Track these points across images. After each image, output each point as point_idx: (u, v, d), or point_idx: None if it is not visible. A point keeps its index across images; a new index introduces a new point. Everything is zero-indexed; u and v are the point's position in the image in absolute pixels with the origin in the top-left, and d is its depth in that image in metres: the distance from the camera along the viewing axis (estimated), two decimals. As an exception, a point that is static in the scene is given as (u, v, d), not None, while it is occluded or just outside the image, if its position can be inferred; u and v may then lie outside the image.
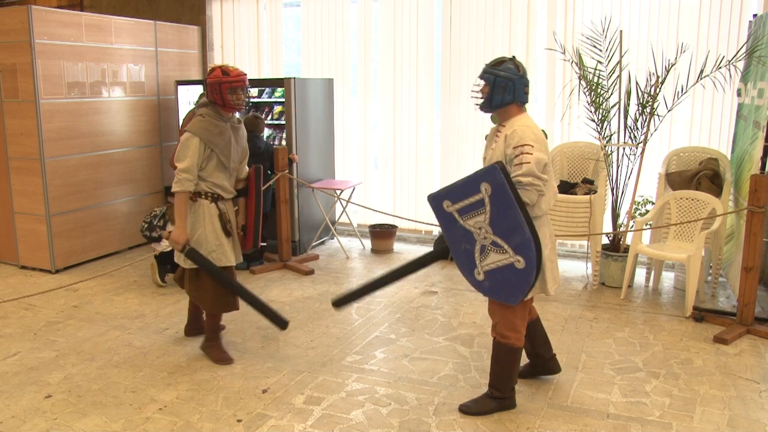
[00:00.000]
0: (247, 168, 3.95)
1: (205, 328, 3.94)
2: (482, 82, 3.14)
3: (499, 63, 3.11)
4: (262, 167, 3.98)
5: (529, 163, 2.90)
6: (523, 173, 2.90)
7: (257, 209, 3.92)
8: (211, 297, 3.75)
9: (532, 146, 2.93)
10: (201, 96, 5.70)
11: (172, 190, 3.59)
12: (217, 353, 3.84)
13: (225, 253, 3.73)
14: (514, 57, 3.16)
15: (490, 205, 2.86)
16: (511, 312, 3.12)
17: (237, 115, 3.84)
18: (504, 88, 3.05)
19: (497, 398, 3.22)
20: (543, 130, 3.21)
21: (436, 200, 3.06)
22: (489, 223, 2.90)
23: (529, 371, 3.57)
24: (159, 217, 5.28)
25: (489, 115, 3.04)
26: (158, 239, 5.25)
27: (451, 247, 3.15)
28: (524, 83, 3.11)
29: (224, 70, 3.60)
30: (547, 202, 3.08)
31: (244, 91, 3.65)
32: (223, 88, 3.57)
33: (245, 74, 3.66)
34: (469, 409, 3.22)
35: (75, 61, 5.72)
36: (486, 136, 3.45)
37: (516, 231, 2.84)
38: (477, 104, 3.19)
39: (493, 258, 2.95)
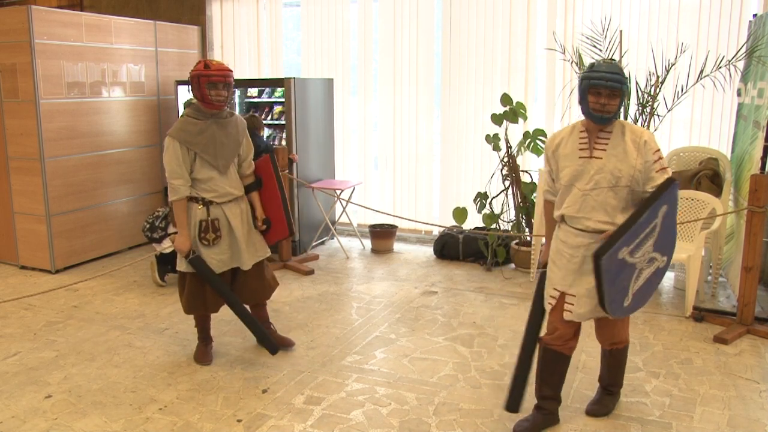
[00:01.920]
0: (252, 162, 3.80)
1: (195, 326, 3.93)
2: (606, 91, 2.68)
3: (617, 67, 2.73)
4: (274, 153, 3.87)
5: (667, 167, 2.76)
6: (670, 177, 2.74)
7: (282, 196, 3.75)
8: (186, 298, 3.70)
9: (659, 150, 2.79)
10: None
11: (169, 200, 3.55)
12: (198, 353, 3.86)
13: (207, 257, 3.61)
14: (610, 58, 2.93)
15: (660, 226, 2.64)
16: (622, 320, 3.05)
17: (227, 109, 3.65)
18: (626, 96, 2.83)
19: (616, 393, 3.25)
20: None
21: (612, 257, 2.56)
22: (654, 244, 2.69)
23: (540, 423, 3.07)
24: (161, 218, 5.28)
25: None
26: (159, 240, 5.25)
27: (608, 297, 2.67)
28: None
29: (207, 64, 3.46)
30: None
31: (226, 87, 3.46)
32: (201, 81, 3.41)
33: (230, 70, 3.50)
34: (599, 412, 3.18)
35: (75, 61, 5.72)
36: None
37: (672, 237, 2.72)
38: (600, 119, 2.74)
39: (645, 274, 2.76)
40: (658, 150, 2.77)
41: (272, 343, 3.82)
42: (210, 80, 3.41)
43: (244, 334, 4.24)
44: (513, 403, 3.07)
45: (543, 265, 3.08)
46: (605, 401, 3.22)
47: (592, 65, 2.79)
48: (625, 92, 2.75)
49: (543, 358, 3.08)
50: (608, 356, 3.19)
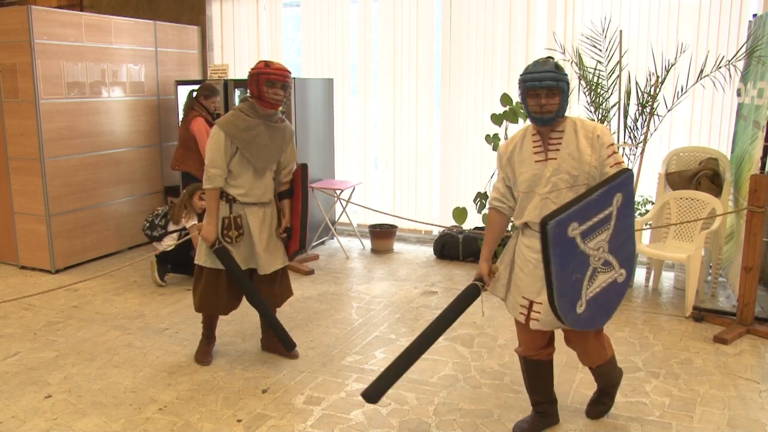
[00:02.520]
0: (292, 172, 3.78)
1: (202, 323, 3.92)
2: (545, 91, 2.64)
3: (557, 66, 2.67)
4: (307, 165, 3.84)
5: (622, 162, 2.68)
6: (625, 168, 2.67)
7: (303, 209, 3.75)
8: (199, 295, 3.68)
9: (614, 143, 2.72)
10: (190, 93, 5.70)
11: (204, 187, 3.53)
12: (199, 352, 3.86)
13: (210, 256, 3.60)
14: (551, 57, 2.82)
15: (616, 219, 2.57)
16: (594, 334, 2.88)
17: (280, 114, 3.68)
18: (568, 92, 2.69)
19: (612, 393, 3.19)
20: None
21: (560, 225, 2.45)
22: (609, 240, 2.59)
23: (538, 425, 3.06)
24: (161, 217, 5.28)
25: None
26: (159, 238, 5.25)
27: (557, 282, 2.52)
28: None
29: (267, 63, 3.49)
30: None
31: (284, 88, 3.48)
32: (261, 79, 3.42)
33: (289, 71, 3.52)
34: (599, 412, 3.15)
35: (75, 61, 5.72)
36: (493, 143, 3.10)
37: (628, 243, 2.63)
38: (542, 119, 2.68)
39: (600, 280, 2.64)
40: (612, 144, 2.69)
41: (289, 339, 3.81)
42: (269, 78, 3.43)
43: (244, 334, 4.24)
44: (371, 393, 2.73)
45: (478, 278, 2.90)
46: (604, 400, 3.19)
47: (526, 68, 2.72)
48: (565, 89, 2.65)
49: (525, 369, 3.05)
50: (594, 372, 3.06)
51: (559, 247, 2.47)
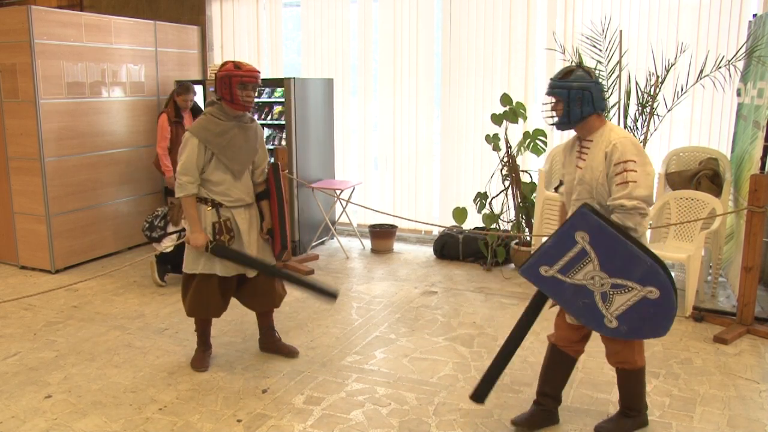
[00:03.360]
0: (265, 171, 3.75)
1: (195, 331, 3.86)
2: (551, 99, 2.82)
3: (567, 73, 2.80)
4: (278, 164, 3.82)
5: (635, 182, 2.61)
6: (626, 195, 2.62)
7: (280, 209, 3.72)
8: (190, 300, 3.63)
9: (635, 161, 2.63)
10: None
11: (176, 196, 3.51)
12: (195, 359, 3.79)
13: (207, 261, 3.54)
14: (580, 64, 2.88)
15: (594, 251, 2.60)
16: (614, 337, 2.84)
17: (249, 114, 3.65)
18: (581, 99, 2.73)
19: (634, 416, 3.03)
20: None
21: (530, 270, 2.74)
22: (601, 268, 2.62)
23: (536, 418, 3.10)
24: (160, 218, 5.28)
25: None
26: (159, 239, 5.25)
27: (567, 309, 2.81)
28: (600, 89, 2.80)
29: (237, 64, 3.45)
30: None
31: (254, 89, 3.47)
32: (233, 81, 3.38)
33: (258, 72, 3.49)
34: (608, 430, 3.00)
35: (75, 61, 5.72)
36: (552, 155, 3.17)
37: (634, 263, 2.58)
38: (552, 123, 2.86)
39: (620, 300, 2.64)
40: (626, 161, 2.64)
41: (329, 291, 3.61)
42: (242, 81, 3.39)
43: (244, 334, 4.24)
44: (479, 394, 3.00)
45: None
46: (619, 422, 3.05)
47: None
48: (571, 97, 2.74)
49: (549, 356, 3.09)
50: (617, 374, 3.04)
51: (542, 285, 2.76)
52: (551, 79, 2.85)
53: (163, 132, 5.62)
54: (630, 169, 2.63)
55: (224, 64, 3.48)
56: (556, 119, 2.83)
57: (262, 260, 3.65)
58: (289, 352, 3.89)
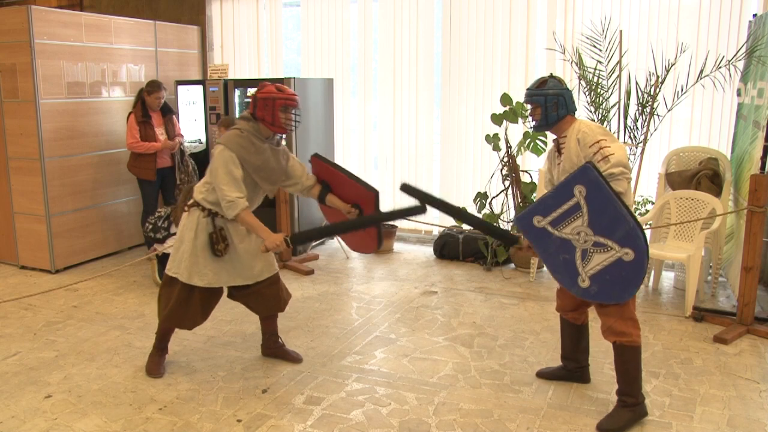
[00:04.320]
0: (308, 174, 3.67)
1: (156, 333, 3.73)
2: (529, 106, 3.22)
3: (543, 83, 3.15)
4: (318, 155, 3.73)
5: (612, 154, 2.93)
6: (612, 164, 2.92)
7: (346, 172, 3.59)
8: (170, 308, 3.52)
9: (606, 139, 2.99)
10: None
11: (229, 217, 3.33)
12: (151, 364, 3.69)
13: (198, 273, 3.46)
14: (552, 74, 3.21)
15: (587, 206, 2.83)
16: (626, 308, 3.04)
17: (278, 136, 3.57)
18: (556, 104, 3.09)
19: (631, 405, 3.09)
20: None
21: (524, 219, 3.01)
22: (588, 224, 2.86)
23: (557, 374, 3.55)
24: (163, 219, 5.28)
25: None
26: (162, 240, 5.25)
27: (546, 263, 3.07)
28: (571, 94, 3.17)
29: (279, 87, 3.40)
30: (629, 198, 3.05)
31: (296, 112, 3.44)
32: (276, 104, 3.33)
33: (297, 96, 3.46)
34: (607, 426, 3.05)
35: (75, 61, 5.72)
36: (546, 157, 3.42)
37: (619, 223, 2.79)
38: (533, 126, 3.26)
39: (598, 259, 2.88)
40: (598, 141, 2.98)
41: (412, 207, 3.39)
42: (286, 104, 3.36)
43: (244, 335, 4.24)
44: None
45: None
46: (617, 414, 3.10)
47: None
48: (541, 102, 3.09)
49: (560, 323, 3.53)
50: (614, 352, 3.13)
51: (531, 235, 3.02)
52: (528, 88, 3.19)
53: (132, 131, 5.55)
54: (604, 145, 2.97)
55: (264, 85, 3.43)
56: (535, 123, 3.21)
57: (336, 223, 3.63)
58: (293, 359, 3.83)
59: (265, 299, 3.71)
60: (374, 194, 3.54)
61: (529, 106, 3.23)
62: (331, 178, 3.66)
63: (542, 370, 3.63)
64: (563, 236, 2.93)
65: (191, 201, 3.53)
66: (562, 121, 3.13)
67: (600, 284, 2.91)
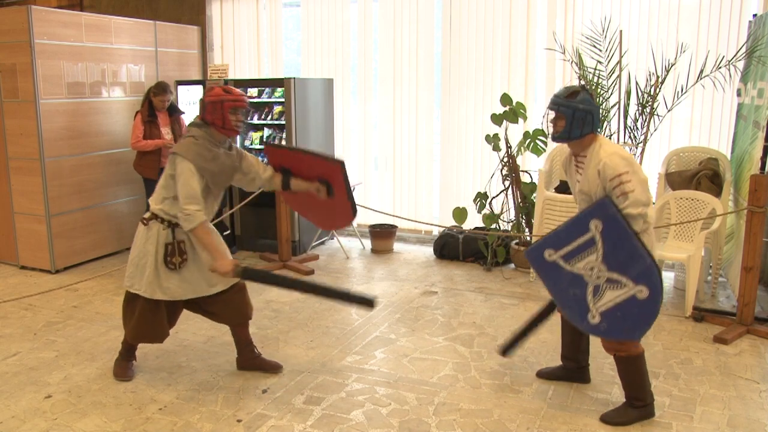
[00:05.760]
0: (264, 165, 3.58)
1: (122, 343, 3.66)
2: (552, 113, 3.03)
3: (573, 94, 2.98)
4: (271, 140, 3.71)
5: (633, 191, 2.80)
6: (630, 203, 2.80)
7: (309, 151, 3.55)
8: (134, 324, 3.47)
9: (627, 172, 2.83)
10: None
11: (186, 229, 3.25)
12: (119, 368, 3.63)
13: (161, 286, 3.37)
14: (584, 86, 3.05)
15: (602, 241, 2.76)
16: None
17: (230, 139, 3.47)
18: (583, 121, 2.93)
19: (639, 407, 3.10)
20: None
21: (535, 253, 2.93)
22: (603, 260, 2.79)
23: (557, 374, 3.55)
24: None
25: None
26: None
27: (555, 298, 3.01)
28: (599, 111, 3.02)
29: (225, 89, 3.32)
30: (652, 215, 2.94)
31: (245, 113, 3.38)
32: (225, 107, 3.26)
33: (246, 96, 3.41)
34: (611, 419, 3.08)
35: (75, 61, 5.72)
36: (561, 164, 3.38)
37: (635, 260, 2.73)
38: (551, 136, 3.08)
39: (610, 296, 2.82)
40: (620, 174, 2.82)
41: (364, 297, 3.44)
42: (234, 105, 3.29)
43: (244, 334, 4.24)
44: (507, 348, 3.42)
45: None
46: (623, 411, 3.11)
47: None
48: (568, 114, 2.93)
49: (561, 322, 3.50)
50: (615, 363, 3.13)
51: (541, 270, 2.94)
52: (556, 95, 3.02)
53: (135, 131, 5.60)
54: (625, 180, 2.81)
55: (211, 89, 3.37)
56: (558, 134, 3.02)
57: (290, 279, 3.53)
58: (272, 368, 3.68)
59: (233, 306, 3.55)
60: (339, 165, 3.46)
61: (551, 114, 3.03)
62: (290, 162, 3.56)
63: (542, 369, 3.62)
64: (575, 271, 2.85)
65: (148, 214, 3.40)
66: (584, 139, 2.98)
67: (611, 321, 2.85)
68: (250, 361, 3.70)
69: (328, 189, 3.50)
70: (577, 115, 2.93)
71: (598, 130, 3.02)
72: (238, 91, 3.37)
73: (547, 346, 4.03)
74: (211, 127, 3.32)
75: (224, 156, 3.38)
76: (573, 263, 2.85)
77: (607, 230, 2.74)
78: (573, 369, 3.50)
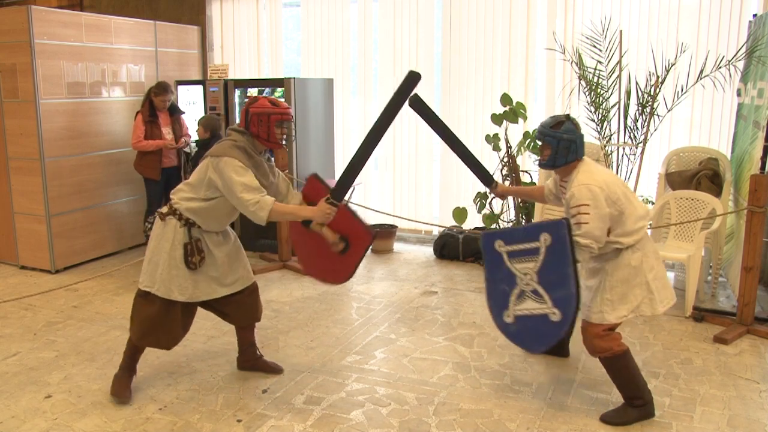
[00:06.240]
0: (296, 192, 3.49)
1: (125, 352, 3.47)
2: (540, 142, 3.22)
3: (558, 124, 3.11)
4: (317, 174, 3.51)
5: (586, 223, 2.94)
6: (582, 234, 2.94)
7: (345, 205, 3.36)
8: (144, 325, 3.30)
9: (588, 205, 2.95)
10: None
11: (261, 220, 3.06)
12: (119, 386, 3.38)
13: (179, 286, 3.24)
14: (569, 116, 3.17)
15: (545, 255, 2.95)
16: (600, 326, 3.09)
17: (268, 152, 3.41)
18: (567, 149, 3.09)
19: (638, 406, 3.12)
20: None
21: (488, 238, 3.17)
22: (537, 271, 2.99)
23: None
24: None
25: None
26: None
27: (486, 285, 3.23)
28: (582, 138, 3.15)
29: (272, 101, 3.24)
30: (635, 222, 3.04)
31: (289, 126, 3.33)
32: (272, 119, 3.19)
33: (291, 109, 3.33)
34: (611, 419, 3.11)
35: (75, 61, 5.72)
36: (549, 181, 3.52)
37: (562, 285, 2.92)
38: (538, 163, 3.34)
39: (529, 305, 3.04)
40: (579, 205, 2.97)
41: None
42: (281, 119, 3.22)
43: (244, 334, 4.24)
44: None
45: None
46: (623, 411, 3.13)
47: None
48: (560, 146, 3.08)
49: None
50: (603, 366, 3.19)
51: (488, 255, 3.17)
52: (542, 125, 3.18)
53: (136, 131, 5.61)
54: (583, 212, 2.96)
55: (256, 99, 3.27)
56: (541, 161, 3.25)
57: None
58: (272, 370, 3.66)
59: (245, 308, 3.53)
60: (371, 236, 3.34)
61: (539, 142, 3.25)
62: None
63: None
64: (512, 270, 3.08)
65: (166, 208, 3.29)
66: (569, 165, 3.14)
67: (520, 327, 3.08)
68: (251, 362, 3.69)
69: (345, 248, 3.33)
70: (562, 144, 3.09)
71: (583, 156, 3.16)
72: (285, 104, 3.30)
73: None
74: (258, 139, 3.24)
75: (266, 166, 3.30)
76: (513, 262, 3.07)
77: (553, 247, 2.93)
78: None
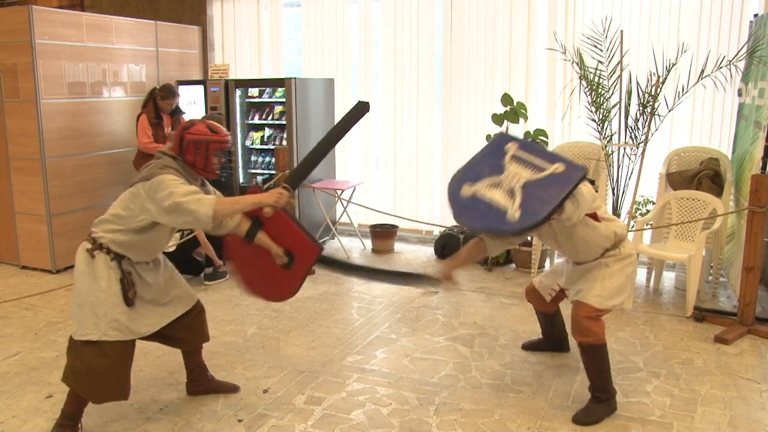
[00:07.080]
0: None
1: (63, 410, 3.03)
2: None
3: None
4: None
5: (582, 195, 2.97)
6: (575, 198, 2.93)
7: (292, 218, 3.17)
8: (98, 382, 2.90)
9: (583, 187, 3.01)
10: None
11: (209, 218, 2.77)
12: None
13: (131, 322, 2.94)
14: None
15: (547, 176, 2.85)
16: (593, 309, 3.18)
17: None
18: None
19: (604, 400, 3.18)
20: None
21: (503, 137, 3.10)
22: (529, 180, 2.86)
23: (538, 346, 3.95)
24: None
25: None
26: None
27: (469, 161, 3.08)
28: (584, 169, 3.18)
29: (210, 126, 2.95)
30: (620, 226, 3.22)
31: (227, 154, 3.08)
32: (211, 148, 2.91)
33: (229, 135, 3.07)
34: (582, 419, 3.13)
35: (75, 61, 5.73)
36: None
37: (543, 202, 2.80)
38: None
39: (496, 196, 2.86)
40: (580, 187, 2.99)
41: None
42: (221, 147, 2.96)
43: (245, 335, 4.24)
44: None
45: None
46: (591, 408, 3.18)
47: None
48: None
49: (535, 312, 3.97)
50: (581, 352, 3.25)
51: (491, 147, 3.08)
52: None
53: (146, 131, 5.62)
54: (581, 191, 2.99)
55: (192, 124, 2.97)
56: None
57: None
58: (230, 389, 3.45)
59: (194, 330, 3.28)
60: (318, 250, 3.19)
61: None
62: (269, 217, 3.04)
63: (525, 343, 4.01)
64: (505, 166, 2.93)
65: (91, 245, 2.94)
66: None
67: (471, 204, 2.87)
68: (204, 385, 3.43)
69: (290, 262, 3.15)
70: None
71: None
72: (224, 130, 3.03)
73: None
74: (194, 169, 2.96)
75: (203, 192, 2.95)
76: (512, 163, 2.93)
77: (560, 176, 2.83)
78: (553, 342, 3.91)
